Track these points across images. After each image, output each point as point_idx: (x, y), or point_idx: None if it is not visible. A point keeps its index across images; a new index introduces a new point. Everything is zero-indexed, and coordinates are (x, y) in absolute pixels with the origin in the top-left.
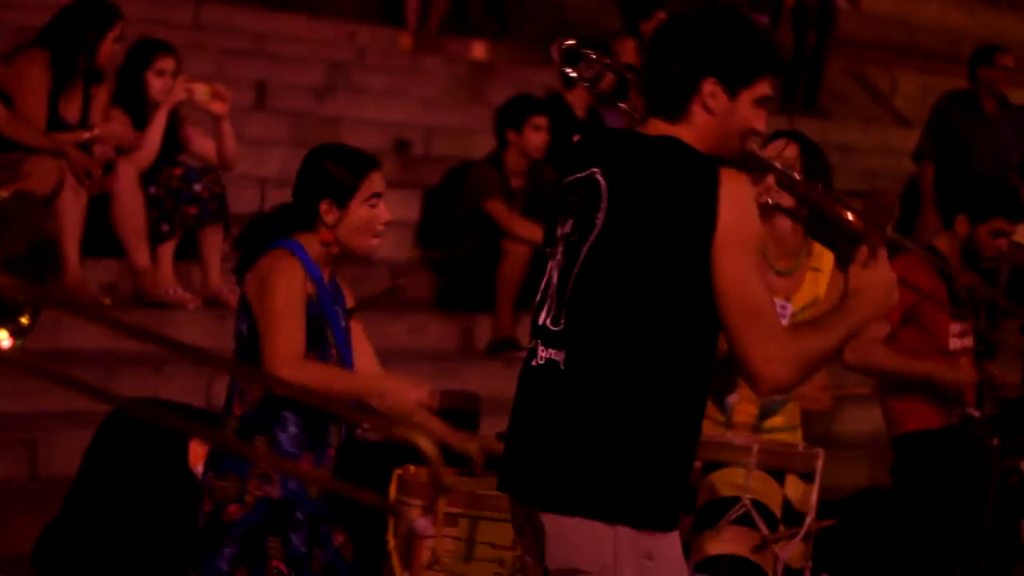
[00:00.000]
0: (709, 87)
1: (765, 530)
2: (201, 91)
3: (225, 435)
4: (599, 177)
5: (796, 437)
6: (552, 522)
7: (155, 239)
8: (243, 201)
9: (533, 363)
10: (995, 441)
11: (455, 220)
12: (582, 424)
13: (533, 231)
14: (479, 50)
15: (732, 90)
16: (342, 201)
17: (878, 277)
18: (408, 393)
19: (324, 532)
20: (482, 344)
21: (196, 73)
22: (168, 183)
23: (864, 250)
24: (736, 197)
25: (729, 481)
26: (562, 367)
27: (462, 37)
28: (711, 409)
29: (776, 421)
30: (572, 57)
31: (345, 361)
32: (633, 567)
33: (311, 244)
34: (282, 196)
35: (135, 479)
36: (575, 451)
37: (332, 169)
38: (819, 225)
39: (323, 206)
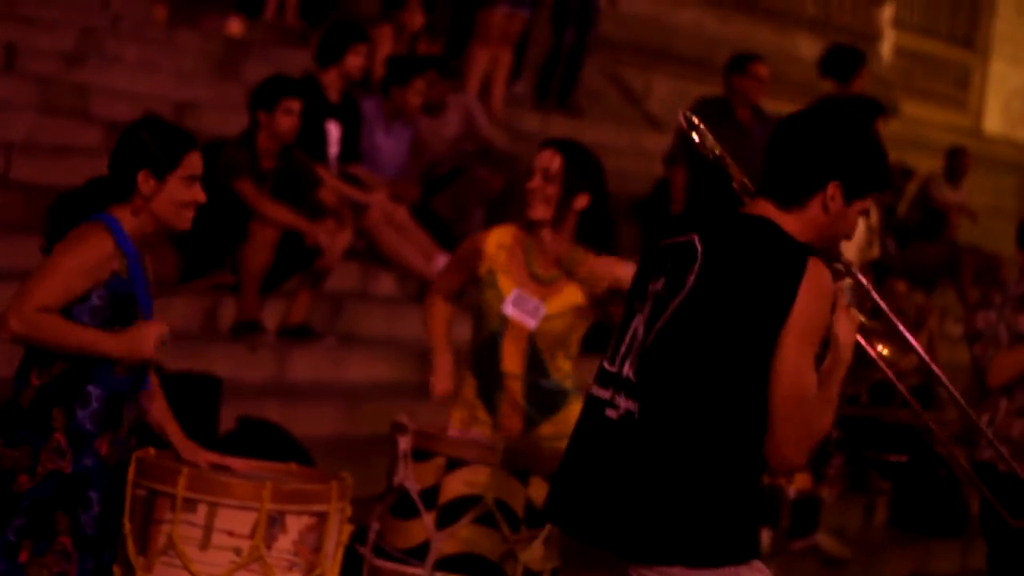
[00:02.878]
0: (832, 189)
1: (507, 530)
2: None
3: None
4: (696, 242)
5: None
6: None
7: None
8: None
9: (609, 413)
10: None
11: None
12: (653, 476)
13: (282, 213)
14: (235, 26)
15: (850, 197)
16: (160, 173)
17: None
18: (144, 345)
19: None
20: (226, 326)
21: None
22: None
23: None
24: (816, 287)
25: (471, 480)
26: (636, 417)
27: (219, 13)
28: (480, 410)
29: (546, 430)
30: (693, 125)
31: None
32: None
33: (126, 217)
34: (28, 162)
35: None
36: (644, 501)
37: (150, 140)
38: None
39: (140, 176)
